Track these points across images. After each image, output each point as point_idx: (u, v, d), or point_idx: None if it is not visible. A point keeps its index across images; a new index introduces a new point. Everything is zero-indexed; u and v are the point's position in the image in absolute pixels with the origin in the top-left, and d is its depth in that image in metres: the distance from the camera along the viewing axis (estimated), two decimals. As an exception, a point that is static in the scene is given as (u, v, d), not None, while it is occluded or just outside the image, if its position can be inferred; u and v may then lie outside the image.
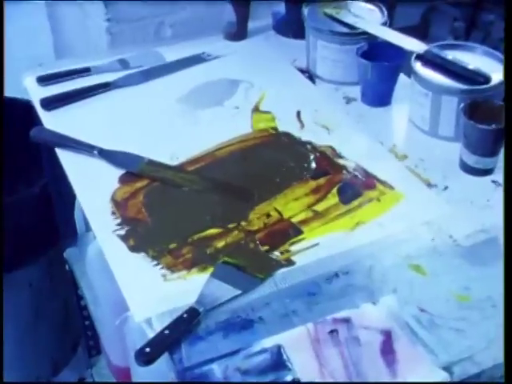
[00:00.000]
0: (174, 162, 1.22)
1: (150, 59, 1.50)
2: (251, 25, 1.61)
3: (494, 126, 1.17)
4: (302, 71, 1.48)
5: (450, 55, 1.30)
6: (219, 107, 1.36)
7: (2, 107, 1.52)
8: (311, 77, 1.46)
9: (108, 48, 1.63)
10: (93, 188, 1.17)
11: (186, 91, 1.40)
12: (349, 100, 1.39)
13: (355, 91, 1.39)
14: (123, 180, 1.19)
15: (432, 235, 1.08)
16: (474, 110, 1.19)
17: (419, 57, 1.30)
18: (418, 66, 1.29)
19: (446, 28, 2.44)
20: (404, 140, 1.31)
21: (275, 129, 1.30)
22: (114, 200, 1.15)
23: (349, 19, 1.41)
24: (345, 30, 1.41)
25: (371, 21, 1.43)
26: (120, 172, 1.20)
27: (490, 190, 1.18)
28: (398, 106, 1.38)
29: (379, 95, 1.37)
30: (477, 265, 1.04)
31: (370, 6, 1.48)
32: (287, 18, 1.59)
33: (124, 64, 1.48)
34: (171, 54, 1.52)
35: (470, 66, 1.26)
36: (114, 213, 1.12)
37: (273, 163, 1.22)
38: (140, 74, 1.45)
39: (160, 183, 1.18)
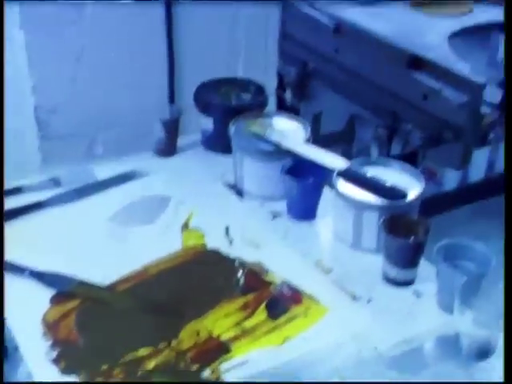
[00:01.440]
0: (106, 282, 1.23)
1: (81, 177, 1.53)
2: (181, 141, 1.67)
3: (412, 238, 1.24)
4: (231, 186, 1.53)
5: (370, 171, 1.37)
6: (150, 225, 1.40)
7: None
8: (239, 192, 1.51)
9: (40, 165, 1.66)
10: (23, 309, 1.18)
11: (117, 209, 1.43)
12: (275, 215, 1.45)
13: (282, 206, 1.45)
14: (55, 300, 1.20)
15: (358, 347, 1.12)
16: (393, 224, 1.26)
17: (341, 173, 1.37)
18: (339, 183, 1.36)
19: (369, 134, 2.56)
20: (329, 253, 1.36)
21: (204, 246, 1.34)
22: (45, 321, 1.15)
23: (274, 137, 1.49)
24: (270, 147, 1.47)
25: (295, 138, 1.50)
26: (51, 292, 1.21)
27: (412, 300, 1.23)
28: (322, 219, 1.44)
29: (304, 210, 1.43)
30: (403, 374, 1.08)
31: (294, 122, 1.56)
32: (215, 134, 1.65)
33: (56, 182, 1.51)
34: (103, 171, 1.56)
35: (388, 183, 1.33)
36: (45, 334, 1.13)
37: (202, 280, 1.25)
38: (72, 192, 1.48)
39: (92, 303, 1.19)
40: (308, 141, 1.50)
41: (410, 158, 2.61)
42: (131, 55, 1.62)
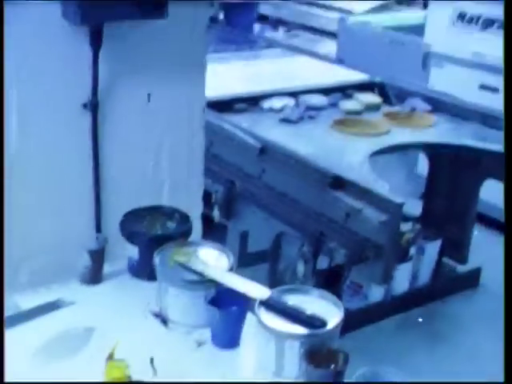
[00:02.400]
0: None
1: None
2: (107, 268, 1.68)
3: (332, 367, 1.28)
4: (156, 315, 1.55)
5: (291, 299, 1.41)
6: (73, 358, 1.39)
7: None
8: (164, 321, 1.53)
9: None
10: None
11: (41, 342, 1.43)
12: (200, 343, 1.46)
13: (206, 334, 1.47)
14: None
15: None
16: (314, 353, 1.29)
17: (263, 302, 1.41)
18: (261, 312, 1.39)
19: (296, 251, 2.63)
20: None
21: (128, 377, 1.33)
22: None
23: (197, 267, 1.52)
24: (194, 277, 1.50)
25: (219, 267, 1.54)
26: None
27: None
28: (246, 347, 1.46)
29: (228, 338, 1.45)
30: None
31: (217, 251, 1.60)
32: (141, 262, 1.67)
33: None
34: (27, 301, 1.55)
35: (308, 312, 1.37)
36: None
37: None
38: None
39: None
40: (231, 269, 1.54)
41: (335, 274, 2.69)
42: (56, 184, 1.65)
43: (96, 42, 1.49)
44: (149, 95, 1.63)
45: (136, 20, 1.49)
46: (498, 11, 3.73)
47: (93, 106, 1.54)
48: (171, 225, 1.62)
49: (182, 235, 1.60)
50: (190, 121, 1.76)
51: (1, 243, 1.33)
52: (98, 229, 1.67)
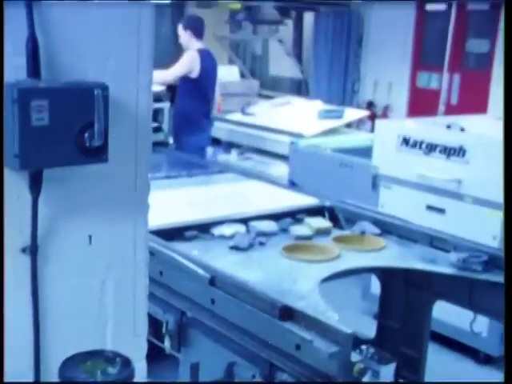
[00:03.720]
0: None
1: None
2: None
3: None
4: None
5: None
6: None
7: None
8: None
9: None
10: None
11: None
12: None
13: None
14: None
15: None
16: None
17: None
18: None
19: (247, 382, 2.57)
20: None
21: None
22: None
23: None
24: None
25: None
26: None
27: None
28: None
29: None
30: None
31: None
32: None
33: None
34: None
35: None
36: None
37: None
38: None
39: None
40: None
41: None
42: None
43: (35, 187, 1.49)
44: (90, 237, 1.62)
45: (77, 165, 1.50)
46: (439, 137, 3.89)
47: (32, 252, 1.53)
48: (112, 371, 1.58)
49: (123, 381, 1.56)
50: (134, 259, 1.75)
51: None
52: (37, 376, 1.62)
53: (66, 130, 1.45)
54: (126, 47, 1.62)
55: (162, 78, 5.33)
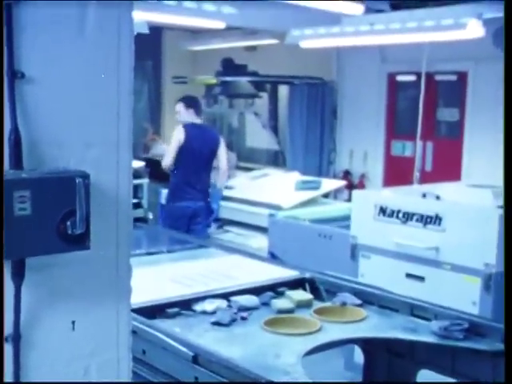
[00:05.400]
0: None
1: None
2: None
3: None
4: None
5: None
6: None
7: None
8: None
9: None
10: None
11: None
12: None
13: None
14: None
15: None
16: None
17: None
18: None
19: None
20: None
21: None
22: None
23: None
24: None
25: None
26: None
27: None
28: None
29: None
30: None
31: None
32: None
33: None
34: None
35: None
36: None
37: None
38: None
39: None
40: None
41: None
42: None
43: (18, 275, 1.51)
44: (73, 322, 1.63)
45: (59, 253, 1.53)
46: (416, 206, 3.96)
47: (15, 340, 1.53)
48: None
49: None
50: (117, 342, 1.75)
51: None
52: None
53: (48, 219, 1.48)
54: (106, 134, 1.66)
55: (165, 165, 5.91)
